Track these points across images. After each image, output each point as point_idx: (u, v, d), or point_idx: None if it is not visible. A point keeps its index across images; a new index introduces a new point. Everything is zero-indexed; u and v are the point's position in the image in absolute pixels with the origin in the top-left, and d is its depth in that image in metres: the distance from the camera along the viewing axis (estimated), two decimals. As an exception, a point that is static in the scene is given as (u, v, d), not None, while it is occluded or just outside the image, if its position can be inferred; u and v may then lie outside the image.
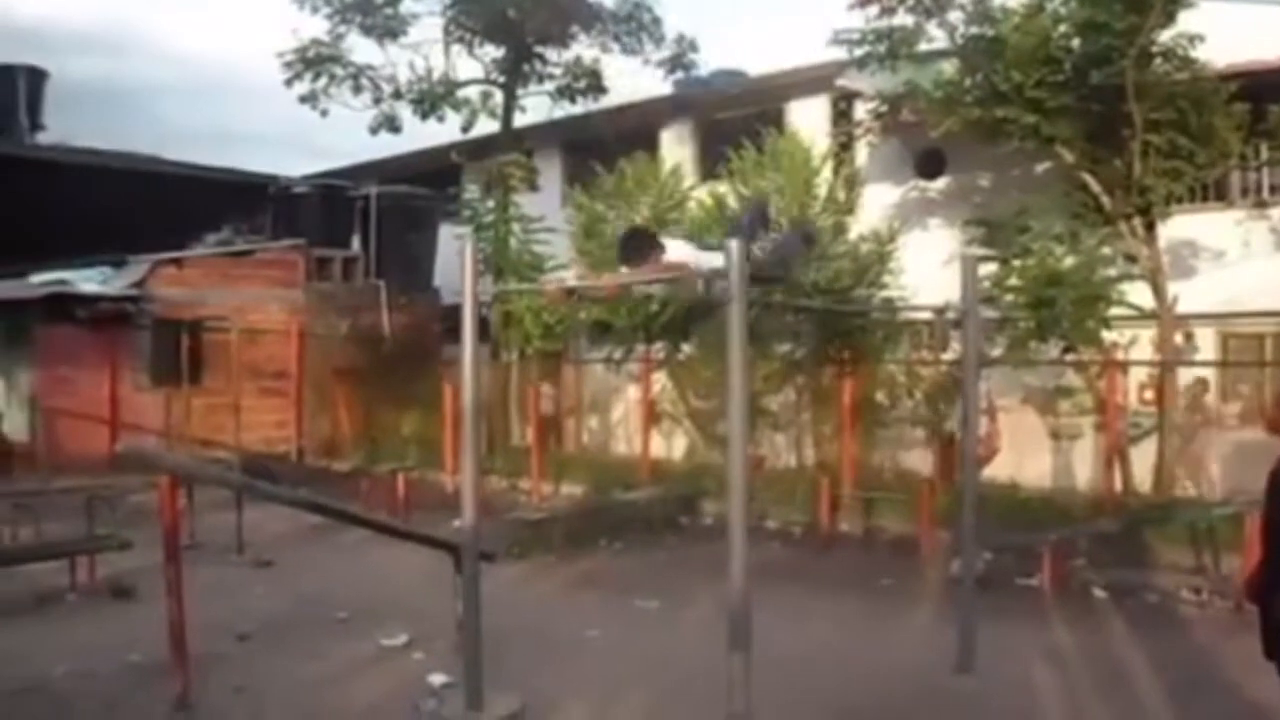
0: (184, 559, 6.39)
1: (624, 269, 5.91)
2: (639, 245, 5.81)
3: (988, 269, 11.93)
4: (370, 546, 9.63)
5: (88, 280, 17.68)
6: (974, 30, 12.97)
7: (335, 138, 33.10)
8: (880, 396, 14.54)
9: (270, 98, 33.63)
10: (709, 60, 19.31)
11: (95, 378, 17.11)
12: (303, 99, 18.54)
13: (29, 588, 8.81)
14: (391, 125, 19.03)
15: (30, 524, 10.22)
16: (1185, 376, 12.92)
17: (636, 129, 18.63)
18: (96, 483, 11.27)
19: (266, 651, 7.50)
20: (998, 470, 12.15)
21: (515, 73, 18.71)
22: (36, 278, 17.56)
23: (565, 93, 19.19)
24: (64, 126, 24.15)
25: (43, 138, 23.94)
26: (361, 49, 18.79)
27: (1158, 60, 12.09)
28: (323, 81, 18.54)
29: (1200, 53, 11.97)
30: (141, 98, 47.30)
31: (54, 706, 6.34)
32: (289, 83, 18.51)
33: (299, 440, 18.05)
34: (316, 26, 18.44)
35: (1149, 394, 13.20)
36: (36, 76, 24.49)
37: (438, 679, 6.74)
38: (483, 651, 6.26)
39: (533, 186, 18.02)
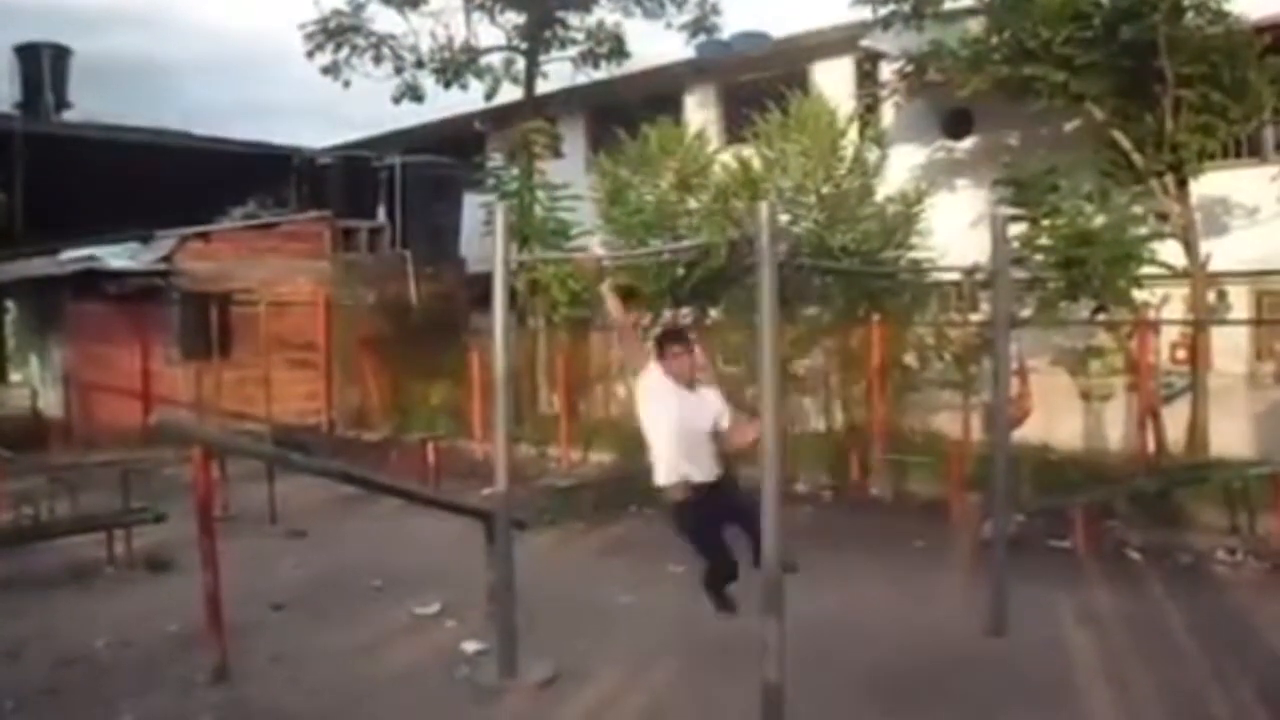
0: (218, 530, 6.44)
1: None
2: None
3: (1017, 229, 11.80)
4: (402, 516, 9.69)
5: (116, 256, 17.79)
6: (1001, -14, 12.76)
7: (358, 108, 33.17)
8: (909, 359, 14.45)
9: (293, 70, 33.58)
10: (732, 23, 19.16)
11: (126, 352, 17.25)
12: (325, 70, 18.52)
13: (67, 561, 8.93)
14: (414, 94, 18.98)
15: (66, 498, 10.34)
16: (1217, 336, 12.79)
17: (660, 93, 18.51)
18: (131, 456, 11.40)
19: (302, 621, 7.57)
20: (1028, 432, 12.07)
21: (537, 39, 18.60)
22: (66, 254, 17.69)
23: (588, 58, 19.07)
24: (90, 103, 24.28)
25: (68, 115, 24.04)
26: (383, 18, 18.76)
27: (1190, 14, 11.85)
28: (344, 52, 18.53)
29: (1233, 5, 11.73)
30: (166, 73, 47.39)
31: (95, 676, 6.43)
32: (311, 54, 18.50)
33: (329, 411, 18.14)
34: (337, -3, 18.40)
35: (1181, 353, 13.06)
36: (60, 54, 24.56)
37: (471, 646, 6.79)
38: (515, 618, 6.30)
39: (557, 153, 17.96)
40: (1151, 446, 12.10)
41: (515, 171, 17.58)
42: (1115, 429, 13.55)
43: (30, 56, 23.93)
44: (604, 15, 18.97)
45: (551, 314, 16.94)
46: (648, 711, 5.82)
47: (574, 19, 18.85)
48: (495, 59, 18.92)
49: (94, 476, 10.96)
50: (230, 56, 54.98)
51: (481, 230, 14.13)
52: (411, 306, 19.96)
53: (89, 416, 16.56)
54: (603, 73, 19.22)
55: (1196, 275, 12.29)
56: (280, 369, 17.59)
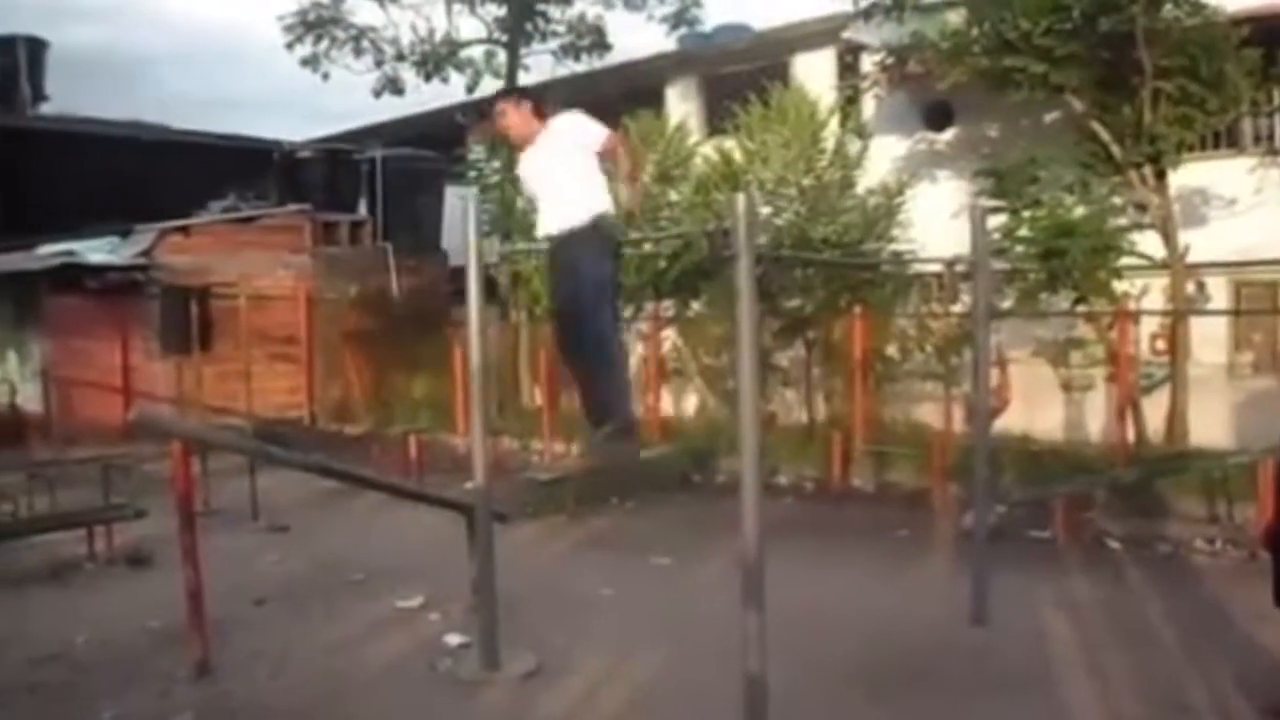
0: (199, 526, 6.41)
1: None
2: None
3: (997, 220, 11.83)
4: (384, 510, 9.67)
5: (95, 250, 17.65)
6: (981, -22, 12.79)
7: (338, 101, 32.97)
8: (891, 350, 14.49)
9: (272, 62, 33.37)
10: (713, 15, 19.11)
11: (106, 347, 17.14)
12: (304, 62, 18.42)
13: (46, 558, 8.87)
14: (394, 87, 18.90)
15: (45, 494, 10.28)
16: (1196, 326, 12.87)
17: (641, 86, 18.47)
18: (110, 452, 11.32)
19: (284, 615, 7.55)
20: (1009, 422, 12.13)
21: (518, 31, 18.53)
22: (44, 249, 17.56)
23: (569, 51, 19.01)
24: (67, 96, 24.07)
25: (46, 108, 23.82)
26: (363, 10, 18.66)
27: (1167, 6, 11.89)
28: (324, 44, 18.42)
29: (1211, -3, 11.83)
30: (145, 66, 47.03)
31: (75, 673, 6.40)
32: (290, 46, 18.40)
33: (310, 405, 18.09)
34: (317, -12, 18.29)
35: (1161, 344, 13.14)
36: (37, 46, 24.31)
37: (453, 639, 6.79)
38: (497, 611, 6.30)
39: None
40: (1131, 437, 12.17)
41: (497, 164, 17.51)
42: (1095, 420, 13.63)
43: (6, 49, 23.66)
44: (585, 7, 18.93)
45: (534, 306, 16.90)
46: (630, 703, 5.82)
47: (555, 11, 18.78)
48: (476, 52, 18.86)
49: (73, 473, 10.88)
50: (209, 49, 54.65)
51: (463, 223, 14.10)
52: (393, 300, 19.89)
53: (68, 412, 16.45)
54: (584, 65, 19.18)
55: (1175, 266, 12.35)
56: (261, 363, 17.52)
